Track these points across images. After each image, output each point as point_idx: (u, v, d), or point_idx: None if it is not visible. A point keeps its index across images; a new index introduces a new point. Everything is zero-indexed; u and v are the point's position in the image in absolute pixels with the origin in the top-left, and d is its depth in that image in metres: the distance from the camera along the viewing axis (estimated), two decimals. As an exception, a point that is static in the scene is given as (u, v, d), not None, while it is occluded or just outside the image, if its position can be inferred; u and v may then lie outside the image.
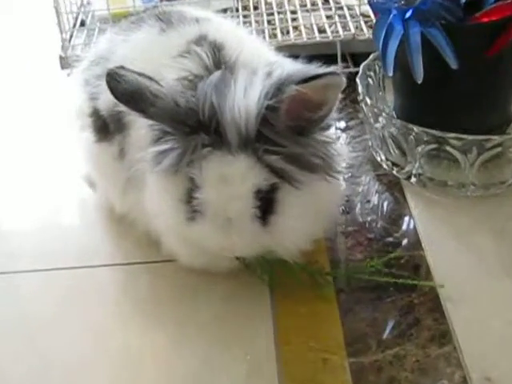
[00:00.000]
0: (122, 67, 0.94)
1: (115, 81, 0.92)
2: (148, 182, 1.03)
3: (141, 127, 1.01)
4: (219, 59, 1.00)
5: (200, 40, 1.04)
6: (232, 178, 0.92)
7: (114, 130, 1.10)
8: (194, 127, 0.93)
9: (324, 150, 0.97)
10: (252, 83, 0.92)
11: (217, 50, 1.01)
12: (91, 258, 1.17)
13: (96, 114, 1.13)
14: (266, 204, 0.95)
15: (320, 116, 0.93)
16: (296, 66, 0.97)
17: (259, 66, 0.97)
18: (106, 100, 1.07)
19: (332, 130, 1.03)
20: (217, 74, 0.95)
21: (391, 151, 1.30)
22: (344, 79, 0.91)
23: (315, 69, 0.91)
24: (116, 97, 0.93)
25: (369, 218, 1.23)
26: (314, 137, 0.96)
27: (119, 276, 1.15)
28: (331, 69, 0.90)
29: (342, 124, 1.44)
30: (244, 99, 0.90)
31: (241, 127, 0.91)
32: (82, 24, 1.59)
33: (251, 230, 0.95)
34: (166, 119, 0.93)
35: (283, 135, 0.93)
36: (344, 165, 1.11)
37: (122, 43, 1.12)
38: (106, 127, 1.12)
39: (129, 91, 0.92)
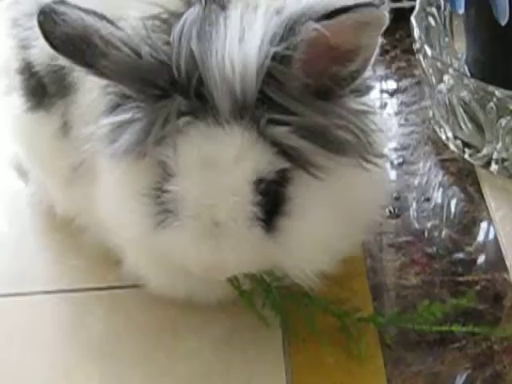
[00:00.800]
0: (62, 1, 0.92)
1: (51, 21, 0.91)
2: (100, 170, 1.04)
3: (92, 89, 1.01)
4: None
5: None
6: (221, 162, 0.92)
7: (55, 93, 1.10)
8: (166, 89, 0.93)
9: (359, 123, 0.97)
10: (251, 23, 0.91)
11: None
12: (25, 281, 1.19)
13: (28, 70, 1.12)
14: (270, 201, 0.95)
15: (352, 71, 0.93)
16: None
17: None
18: (43, 49, 1.06)
19: (373, 95, 1.04)
20: (197, 9, 0.94)
21: (462, 125, 1.31)
22: (386, 14, 0.89)
23: (342, 1, 0.90)
24: (52, 44, 0.92)
25: (429, 225, 1.24)
26: (344, 103, 0.96)
27: (63, 308, 1.16)
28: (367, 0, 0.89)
29: (390, 85, 1.44)
30: (239, 46, 0.90)
31: (234, 87, 0.90)
32: None
33: (250, 240, 0.95)
34: (123, 77, 0.93)
35: (297, 98, 0.92)
36: (390, 146, 1.13)
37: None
38: (42, 89, 1.11)
39: (70, 36, 0.91)
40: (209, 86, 0.91)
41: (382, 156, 1.01)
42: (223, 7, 0.95)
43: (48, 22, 0.91)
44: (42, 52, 1.08)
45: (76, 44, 0.92)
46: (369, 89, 0.99)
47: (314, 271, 1.01)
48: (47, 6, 0.92)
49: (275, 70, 0.91)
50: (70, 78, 1.06)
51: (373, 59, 0.94)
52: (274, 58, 0.90)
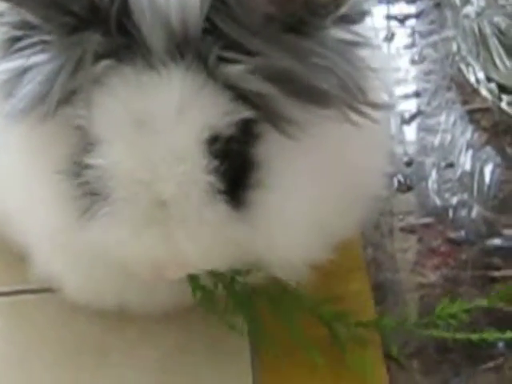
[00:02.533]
0: None
1: None
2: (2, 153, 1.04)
3: None
4: None
5: None
6: (159, 119, 0.92)
7: None
8: (82, 17, 0.92)
9: (344, 62, 0.96)
10: None
11: None
12: None
13: None
14: (233, 166, 0.95)
15: None
16: None
17: None
18: None
19: (375, 22, 1.08)
20: None
21: (497, 62, 1.31)
22: None
23: None
24: None
25: (453, 200, 1.25)
26: (324, 36, 0.95)
27: None
28: None
29: (400, 8, 1.46)
30: None
31: (169, 16, 0.90)
32: None
33: (210, 221, 0.94)
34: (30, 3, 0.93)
35: (257, 32, 0.92)
36: (399, 92, 1.14)
37: None
38: None
39: None
40: (135, 16, 0.91)
41: (376, 106, 0.98)
42: None
43: None
44: None
45: None
46: (362, 15, 0.98)
47: (302, 261, 1.02)
48: None
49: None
50: None
51: None
52: None
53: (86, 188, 0.96)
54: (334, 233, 1.05)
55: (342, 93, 0.95)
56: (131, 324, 1.10)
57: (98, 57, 0.92)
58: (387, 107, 1.04)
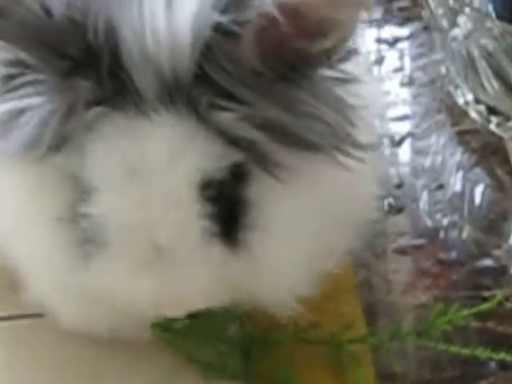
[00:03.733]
0: None
1: None
2: None
3: None
4: None
5: None
6: (152, 166, 0.92)
7: None
8: (76, 62, 0.92)
9: (332, 111, 0.97)
10: None
11: None
12: None
13: None
14: (226, 209, 0.96)
15: (324, 49, 0.93)
16: None
17: None
18: None
19: (367, 46, 1.11)
20: None
21: (485, 84, 1.31)
22: None
23: None
24: None
25: (444, 222, 1.25)
26: (313, 84, 0.97)
27: None
28: None
29: (389, 32, 1.46)
30: (166, 12, 0.91)
31: (160, 62, 0.91)
32: None
33: (206, 263, 0.96)
34: (24, 39, 0.93)
35: (246, 84, 0.93)
36: (390, 115, 1.15)
37: None
38: None
39: None
40: (126, 62, 0.92)
41: (364, 147, 0.99)
42: None
43: None
44: None
45: None
46: (351, 53, 0.98)
47: (293, 296, 1.03)
48: None
49: (216, 46, 0.92)
50: None
51: (354, 33, 0.94)
52: (216, 29, 0.91)
53: (83, 234, 0.97)
54: (326, 264, 1.06)
55: (331, 139, 0.97)
56: (123, 349, 1.10)
57: (90, 103, 0.93)
58: (373, 147, 1.04)
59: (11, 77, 0.96)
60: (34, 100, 0.94)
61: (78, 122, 0.92)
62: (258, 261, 0.99)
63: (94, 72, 0.92)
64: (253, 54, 0.92)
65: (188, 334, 1.09)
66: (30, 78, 0.95)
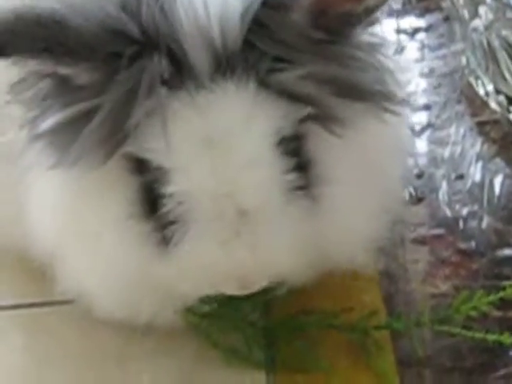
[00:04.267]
0: None
1: None
2: (36, 190, 1.06)
3: None
4: None
5: None
6: (227, 132, 0.95)
7: None
8: (133, 52, 0.94)
9: (375, 63, 1.02)
10: None
11: None
12: None
13: None
14: (300, 165, 0.99)
15: (366, 7, 0.96)
16: None
17: None
18: None
19: (388, 35, 1.10)
20: None
21: (506, 75, 1.31)
22: None
23: None
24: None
25: (464, 211, 1.26)
26: (355, 39, 1.00)
27: None
28: None
29: (409, 22, 1.48)
30: None
31: (213, 37, 0.93)
32: None
33: (293, 220, 0.99)
34: (85, 50, 0.94)
35: (297, 48, 0.96)
36: (412, 104, 1.14)
37: None
38: None
39: (10, 27, 0.92)
40: (180, 41, 0.94)
41: (402, 102, 1.03)
42: None
43: None
44: None
45: (17, 33, 0.92)
46: (377, 18, 1.01)
47: (364, 247, 1.07)
48: None
49: (267, 18, 0.94)
50: None
51: None
52: (265, 3, 0.93)
53: (162, 220, 0.98)
54: (382, 218, 1.08)
55: (378, 87, 1.00)
56: (149, 335, 1.10)
57: (153, 87, 0.94)
58: (407, 102, 1.08)
59: (50, 95, 0.98)
60: (93, 102, 0.95)
61: (143, 108, 0.94)
62: (331, 215, 1.01)
63: (153, 56, 0.94)
64: (304, 22, 0.95)
65: (215, 318, 1.09)
66: (74, 88, 0.96)
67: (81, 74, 0.96)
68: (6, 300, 1.19)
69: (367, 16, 0.98)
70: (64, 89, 0.98)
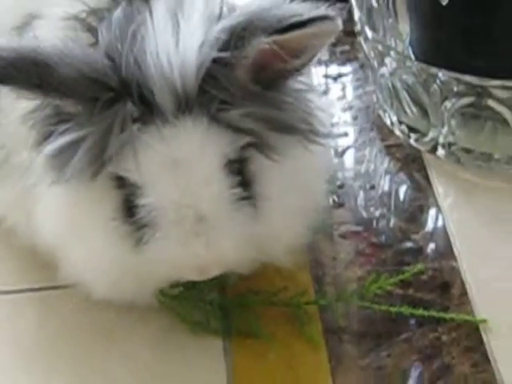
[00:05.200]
0: None
1: None
2: (44, 199, 1.05)
3: (8, 93, 1.02)
4: None
5: None
6: (185, 156, 0.96)
7: None
8: (111, 97, 0.95)
9: (304, 104, 1.02)
10: (184, 19, 0.96)
11: None
12: None
13: None
14: (243, 182, 1.00)
15: (296, 66, 0.98)
16: (261, 2, 0.98)
17: None
18: None
19: (316, 80, 1.12)
20: (120, 7, 0.98)
21: (406, 110, 1.32)
22: (340, 24, 0.94)
23: (295, 8, 0.94)
24: None
25: (376, 213, 1.26)
26: (286, 87, 1.01)
27: None
28: (322, 11, 0.93)
29: (333, 69, 1.46)
30: (176, 47, 0.94)
31: (175, 84, 0.94)
32: None
33: (237, 222, 1.00)
34: (76, 92, 0.94)
35: (240, 94, 0.97)
36: (334, 132, 1.18)
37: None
38: None
39: (9, 62, 0.92)
40: (149, 87, 0.95)
41: (324, 135, 1.05)
42: (147, 2, 0.99)
43: None
44: None
45: (20, 69, 0.93)
46: (308, 69, 1.03)
47: (294, 244, 1.08)
48: None
49: (217, 72, 0.95)
50: None
51: (318, 55, 0.98)
52: (215, 61, 0.94)
53: (138, 223, 0.99)
54: (308, 223, 1.09)
55: (304, 124, 1.02)
56: (132, 311, 1.12)
57: (128, 123, 0.95)
58: (328, 136, 1.09)
59: (49, 131, 0.98)
60: (81, 132, 0.96)
61: (118, 140, 0.95)
62: (269, 220, 1.02)
63: (128, 99, 0.95)
64: (245, 76, 0.97)
65: (182, 298, 1.10)
66: (69, 124, 0.97)
67: (67, 106, 0.97)
68: (22, 285, 1.19)
69: (297, 71, 0.99)
70: (59, 117, 0.98)
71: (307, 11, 0.93)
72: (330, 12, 0.93)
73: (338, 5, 0.96)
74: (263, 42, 0.93)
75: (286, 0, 0.96)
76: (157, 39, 0.95)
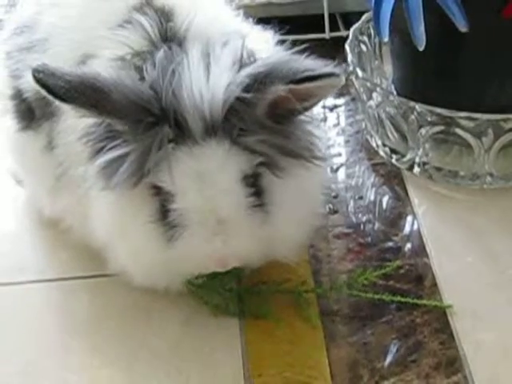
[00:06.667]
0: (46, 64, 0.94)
1: (51, 76, 0.92)
2: (95, 203, 1.05)
3: (73, 115, 1.01)
4: (166, 30, 1.02)
5: (144, 6, 1.05)
6: (210, 171, 0.95)
7: (41, 116, 1.10)
8: (152, 121, 0.95)
9: (306, 134, 1.02)
10: (215, 63, 0.95)
11: (164, 17, 1.03)
12: (18, 272, 1.18)
13: (19, 96, 1.12)
14: (256, 193, 0.99)
15: (304, 107, 0.97)
16: (279, 55, 1.00)
17: (216, 36, 1.00)
18: (32, 79, 1.01)
19: (316, 110, 1.07)
20: (162, 50, 0.98)
21: (389, 135, 1.32)
22: (343, 78, 0.93)
23: (308, 63, 0.94)
24: (57, 95, 0.93)
25: (363, 219, 1.25)
26: (293, 121, 1.00)
27: (52, 294, 1.16)
28: (330, 68, 0.93)
29: (330, 102, 1.46)
30: (205, 82, 0.93)
31: (204, 113, 0.94)
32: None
33: (251, 224, 0.99)
34: (124, 113, 0.94)
35: (256, 124, 0.96)
36: (331, 152, 1.17)
37: (50, 8, 1.12)
38: (31, 113, 1.12)
39: (73, 86, 0.92)
40: (182, 114, 0.94)
41: (321, 159, 1.04)
42: (181, 46, 0.99)
43: (47, 77, 0.92)
44: (31, 81, 1.01)
45: (81, 92, 0.92)
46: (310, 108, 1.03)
47: (297, 244, 1.06)
48: (41, 65, 0.93)
49: (239, 108, 0.94)
50: (54, 105, 1.05)
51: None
52: (239, 99, 0.93)
53: (169, 224, 0.99)
54: (308, 227, 1.08)
55: (306, 151, 1.01)
56: (165, 296, 1.11)
57: (165, 143, 0.95)
58: (325, 159, 1.08)
59: (100, 147, 0.98)
60: (126, 148, 0.96)
61: (156, 157, 0.95)
62: (278, 222, 1.01)
63: (165, 123, 0.95)
64: (262, 112, 0.96)
65: (205, 286, 1.09)
66: (116, 142, 0.96)
67: (117, 125, 0.96)
68: (77, 273, 1.18)
69: (303, 111, 0.98)
70: (110, 135, 0.97)
71: (318, 67, 0.93)
72: (337, 70, 0.93)
73: (343, 65, 0.99)
74: (280, 90, 0.93)
75: (302, 56, 0.97)
76: (191, 77, 0.94)
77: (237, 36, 0.99)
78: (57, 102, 0.96)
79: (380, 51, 1.40)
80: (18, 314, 1.13)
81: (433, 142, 1.27)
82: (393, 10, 1.17)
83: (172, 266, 1.02)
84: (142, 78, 0.96)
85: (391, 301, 1.11)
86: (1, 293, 1.16)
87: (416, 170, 1.31)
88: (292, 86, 0.92)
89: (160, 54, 0.97)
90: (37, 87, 0.95)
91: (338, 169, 1.35)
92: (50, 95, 0.93)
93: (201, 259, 1.00)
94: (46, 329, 1.11)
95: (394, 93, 1.35)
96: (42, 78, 0.92)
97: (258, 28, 1.10)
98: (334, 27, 1.53)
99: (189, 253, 0.99)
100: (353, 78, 1.31)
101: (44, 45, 1.05)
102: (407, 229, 1.24)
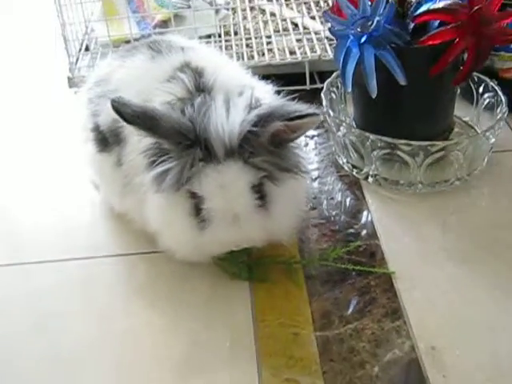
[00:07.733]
0: (121, 97, 0.95)
1: (123, 105, 0.93)
2: (150, 202, 1.03)
3: (136, 141, 1.02)
4: (199, 83, 1.01)
5: (184, 67, 1.05)
6: (229, 182, 0.94)
7: (113, 142, 1.10)
8: (189, 144, 0.95)
9: (295, 155, 1.00)
10: (233, 106, 0.94)
11: (198, 75, 1.03)
12: (96, 249, 1.18)
13: (97, 129, 1.12)
14: (261, 196, 0.98)
15: (294, 137, 0.97)
16: (277, 101, 1.00)
17: (233, 88, 1.00)
18: (106, 117, 1.08)
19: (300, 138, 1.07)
20: (199, 98, 0.98)
21: (351, 155, 1.31)
22: (321, 117, 0.95)
23: (297, 107, 0.94)
24: (126, 120, 0.93)
25: (333, 213, 1.24)
26: (286, 146, 0.99)
27: (120, 265, 1.15)
28: (312, 109, 0.93)
29: (310, 132, 1.44)
30: (226, 119, 0.93)
31: (225, 141, 0.93)
32: (87, 49, 1.60)
33: (257, 218, 0.97)
34: (170, 135, 0.93)
35: (261, 149, 0.96)
36: (311, 167, 1.15)
37: (119, 68, 1.13)
38: (105, 140, 1.12)
39: (137, 113, 0.92)
40: (210, 142, 0.94)
41: (305, 172, 1.03)
42: (210, 94, 0.99)
43: (121, 106, 0.93)
44: (106, 118, 1.08)
45: (140, 117, 0.93)
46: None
47: (289, 231, 1.05)
48: (117, 97, 0.94)
49: (249, 137, 0.94)
50: (123, 134, 1.06)
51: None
52: (250, 131, 0.93)
53: (201, 218, 0.97)
54: (297, 219, 1.07)
55: (295, 168, 1.00)
56: (198, 266, 1.09)
57: (197, 161, 0.94)
58: (308, 172, 1.08)
59: (153, 161, 0.97)
60: (172, 164, 0.95)
61: (195, 170, 0.95)
62: (276, 216, 1.00)
63: (198, 146, 0.94)
64: (265, 140, 0.95)
65: (226, 260, 1.08)
66: (164, 158, 0.95)
67: (164, 145, 0.95)
68: (137, 250, 1.16)
69: (293, 139, 0.98)
70: (160, 152, 0.95)
71: (304, 109, 0.93)
72: (317, 111, 0.94)
73: (320, 107, 1.00)
74: (279, 125, 0.93)
75: (292, 101, 0.98)
76: (216, 115, 0.94)
77: (248, 88, 1.00)
78: (125, 125, 0.96)
79: (345, 98, 1.39)
80: (95, 280, 1.13)
81: (381, 160, 1.26)
82: (354, 70, 1.17)
83: (202, 247, 1.01)
84: (183, 114, 0.96)
85: (353, 269, 1.10)
86: (82, 264, 1.15)
87: (370, 179, 1.29)
88: (287, 123, 0.93)
89: (198, 100, 0.97)
90: (112, 114, 0.95)
91: (316, 179, 1.33)
92: (121, 118, 0.93)
93: (222, 242, 0.99)
94: (115, 290, 1.11)
95: (355, 126, 1.32)
96: (117, 106, 0.93)
97: (262, 82, 1.10)
98: (312, 81, 1.54)
99: (214, 238, 0.98)
100: (326, 116, 1.30)
101: (115, 93, 1.04)
102: (363, 220, 1.22)
